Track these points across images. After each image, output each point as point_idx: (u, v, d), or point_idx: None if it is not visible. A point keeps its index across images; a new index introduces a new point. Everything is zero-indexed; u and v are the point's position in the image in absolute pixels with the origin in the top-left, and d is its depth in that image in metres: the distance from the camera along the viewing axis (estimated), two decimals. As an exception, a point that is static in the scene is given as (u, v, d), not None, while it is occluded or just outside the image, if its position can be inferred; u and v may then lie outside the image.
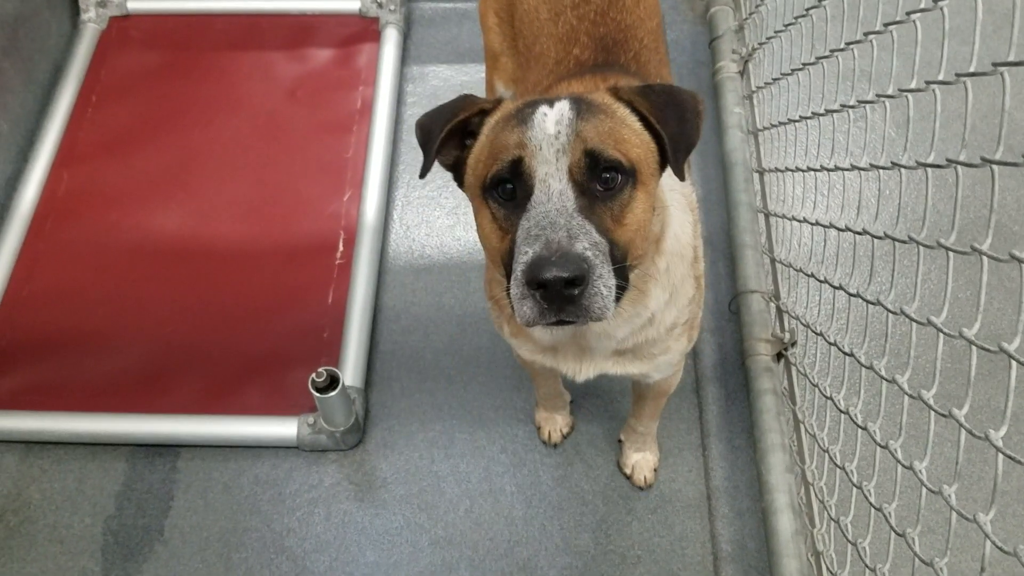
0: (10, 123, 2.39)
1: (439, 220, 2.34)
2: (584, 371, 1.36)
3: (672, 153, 1.06)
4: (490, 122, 1.13)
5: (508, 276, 1.05)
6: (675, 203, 1.29)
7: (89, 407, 2.01)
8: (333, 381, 1.82)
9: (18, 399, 2.03)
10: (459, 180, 1.19)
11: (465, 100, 1.15)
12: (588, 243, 0.98)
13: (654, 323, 1.28)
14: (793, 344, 1.94)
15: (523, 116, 1.05)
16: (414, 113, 2.54)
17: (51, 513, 1.92)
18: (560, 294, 0.96)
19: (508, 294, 1.03)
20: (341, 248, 2.24)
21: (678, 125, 1.07)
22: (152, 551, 1.87)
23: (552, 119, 1.03)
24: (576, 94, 1.10)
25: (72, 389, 2.05)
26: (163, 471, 1.97)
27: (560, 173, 1.02)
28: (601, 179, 1.03)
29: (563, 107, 1.04)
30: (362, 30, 2.66)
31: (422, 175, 1.15)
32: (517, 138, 1.03)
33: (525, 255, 0.98)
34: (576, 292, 0.97)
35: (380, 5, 2.64)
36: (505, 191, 1.06)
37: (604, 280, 0.99)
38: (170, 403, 2.02)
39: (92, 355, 2.10)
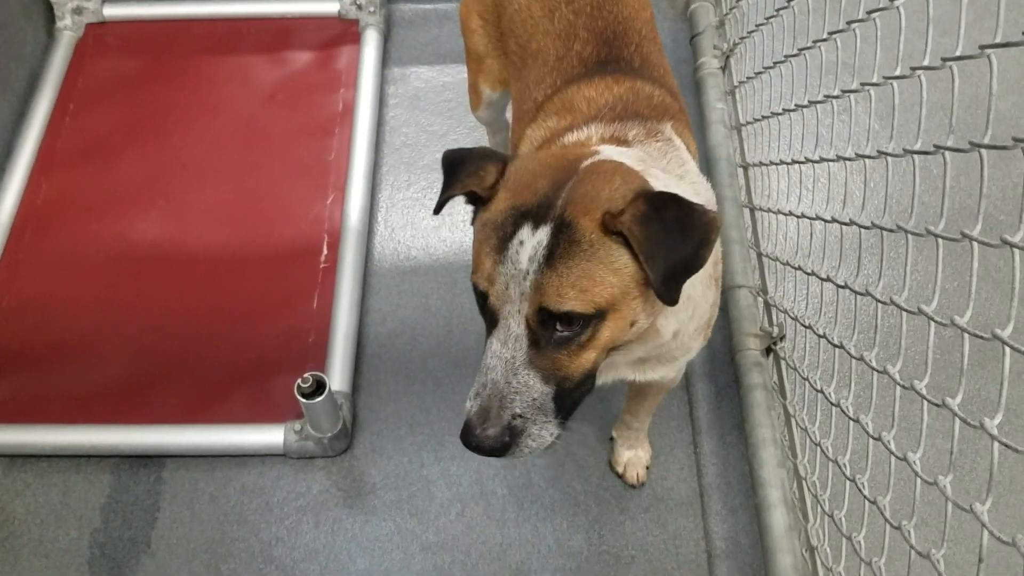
0: (-14, 133, 2.36)
1: (424, 221, 2.33)
2: (601, 378, 1.34)
3: (661, 285, 1.00)
4: (479, 221, 1.10)
5: None
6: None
7: (72, 419, 1.98)
8: (319, 386, 1.80)
9: (0, 411, 2.00)
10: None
11: (476, 171, 1.12)
12: (522, 406, 1.07)
13: (677, 337, 1.28)
14: (782, 338, 1.94)
15: (502, 234, 1.04)
16: (396, 115, 2.52)
17: (36, 527, 1.89)
18: None
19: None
20: (325, 252, 2.21)
21: (680, 252, 1.00)
22: (139, 563, 1.84)
23: (526, 252, 1.01)
24: (565, 218, 1.02)
25: (55, 401, 2.01)
26: (148, 482, 1.94)
27: (520, 316, 1.04)
28: (557, 328, 1.05)
29: (541, 239, 1.01)
30: (342, 32, 2.63)
31: (435, 212, 1.20)
32: (489, 269, 1.05)
33: (469, 400, 1.09)
34: (500, 447, 1.08)
35: (359, 7, 2.62)
36: (480, 302, 1.10)
37: (536, 431, 1.08)
38: (154, 413, 1.99)
39: (75, 366, 2.06)
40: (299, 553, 1.85)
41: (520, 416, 1.06)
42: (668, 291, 1.00)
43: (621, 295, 1.04)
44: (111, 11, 2.67)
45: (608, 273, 1.02)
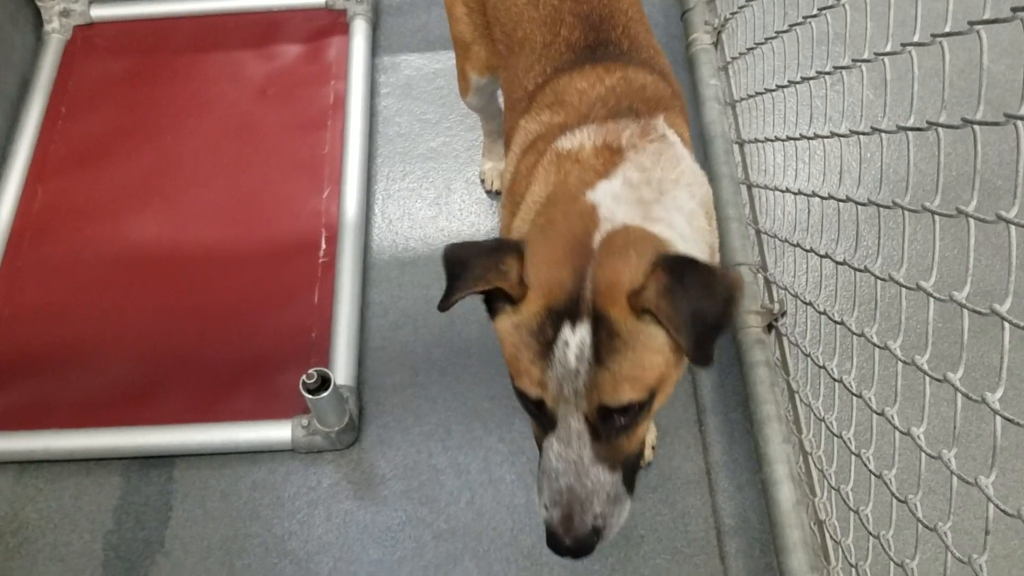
0: (-21, 141, 2.35)
1: (421, 211, 2.32)
2: None
3: (694, 351, 1.00)
4: (508, 323, 1.09)
5: None
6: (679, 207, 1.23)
7: (80, 423, 1.99)
8: (324, 381, 1.80)
9: (8, 419, 2.01)
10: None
11: (497, 267, 1.08)
12: (601, 505, 1.09)
13: None
14: (783, 315, 1.94)
15: (543, 338, 1.03)
16: (388, 104, 2.51)
17: (50, 532, 1.91)
18: None
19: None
20: (324, 246, 2.22)
21: (709, 316, 1.00)
22: (154, 563, 1.86)
23: (572, 352, 1.02)
24: (598, 311, 1.02)
25: (62, 406, 2.03)
26: (159, 482, 1.96)
27: (578, 413, 1.05)
28: (616, 419, 1.06)
29: (584, 337, 1.01)
30: (330, 23, 2.62)
31: (441, 307, 1.14)
32: (538, 374, 1.05)
33: (545, 511, 1.11)
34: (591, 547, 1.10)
35: (347, -4, 2.61)
36: (531, 407, 1.11)
37: (616, 520, 1.12)
38: (161, 414, 2.00)
39: (80, 370, 2.07)
40: (312, 546, 1.87)
41: (604, 510, 1.09)
42: (702, 355, 1.00)
43: (667, 368, 1.06)
44: (98, 12, 2.65)
45: (652, 355, 1.04)
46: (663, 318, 1.00)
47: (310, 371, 1.79)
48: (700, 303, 0.99)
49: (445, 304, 1.12)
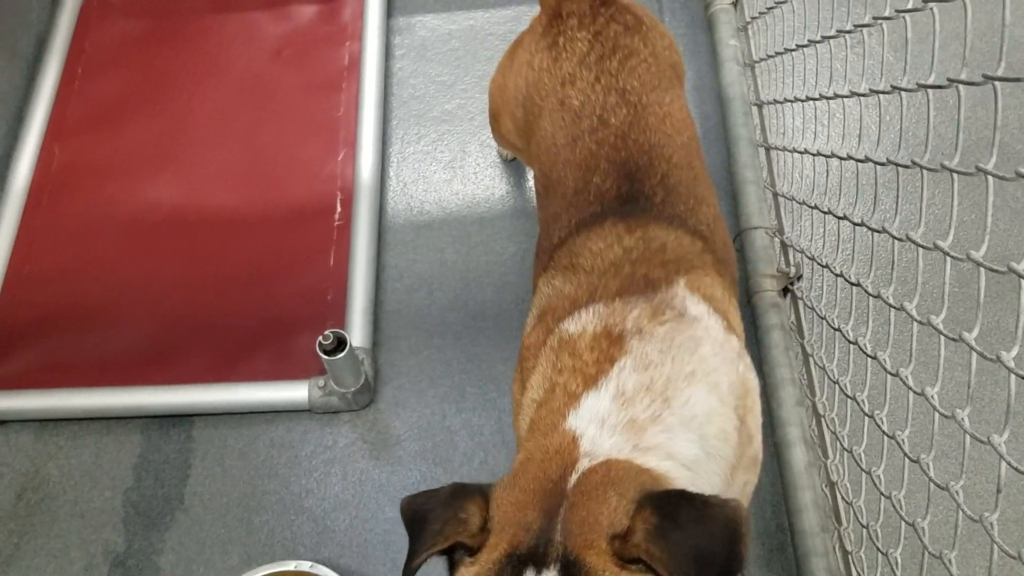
0: (-4, 101, 2.36)
1: (436, 175, 2.32)
2: None
3: None
4: (472, 568, 0.92)
5: None
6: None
7: (100, 382, 2.02)
8: (340, 343, 1.82)
9: (29, 378, 2.04)
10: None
11: (455, 517, 0.94)
12: None
13: None
14: (799, 278, 1.93)
15: None
16: (403, 66, 2.50)
17: (70, 489, 1.94)
18: None
19: None
20: (339, 209, 2.22)
21: (713, 558, 0.84)
22: (174, 519, 1.90)
23: None
24: (569, 557, 0.87)
25: (81, 365, 2.05)
26: (179, 441, 1.99)
27: None
28: None
29: None
30: (345, -16, 2.60)
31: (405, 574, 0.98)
32: None
33: None
34: None
35: (362, -43, 2.58)
36: None
37: None
38: (180, 374, 2.03)
39: (98, 330, 2.10)
40: (329, 504, 1.89)
41: None
42: None
43: None
44: (113, -28, 2.64)
45: None
46: (658, 566, 0.83)
47: (326, 332, 1.81)
48: (701, 544, 0.84)
49: (407, 572, 0.96)
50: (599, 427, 1.02)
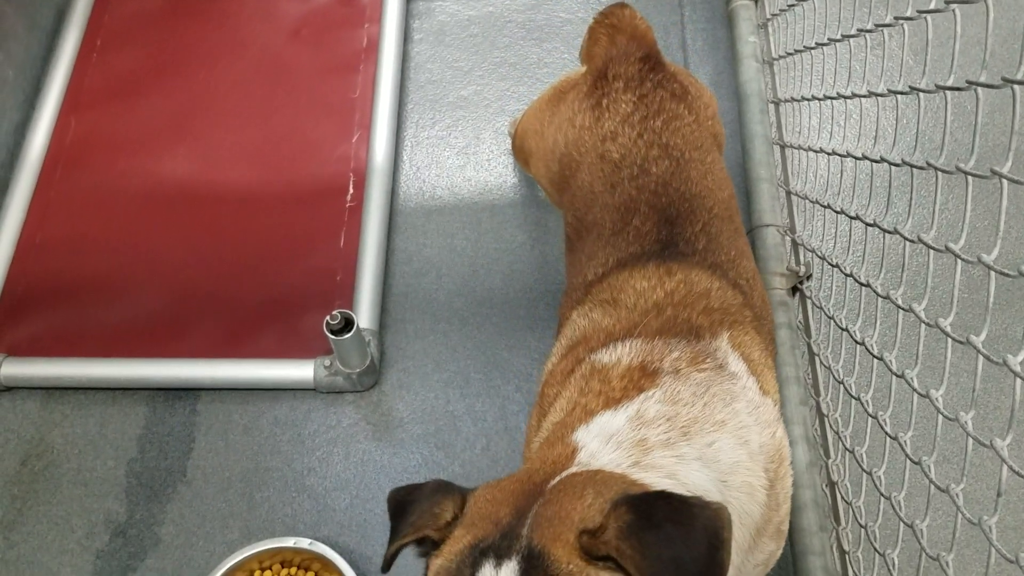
0: (15, 70, 2.37)
1: (449, 160, 2.32)
2: None
3: None
4: (437, 560, 0.90)
5: None
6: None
7: (107, 353, 2.03)
8: (348, 323, 1.83)
9: (37, 346, 2.05)
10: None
11: (430, 510, 0.94)
12: None
13: None
14: (808, 277, 1.93)
15: None
16: (421, 51, 2.50)
17: (74, 457, 1.96)
18: None
19: None
20: (351, 191, 2.23)
21: (689, 562, 0.78)
22: (176, 492, 1.91)
23: None
24: (533, 548, 0.83)
25: (90, 335, 2.07)
26: (183, 414, 2.00)
27: None
28: None
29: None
30: (366, -34, 2.60)
31: (382, 568, 0.98)
32: None
33: None
34: None
35: (384, -60, 2.58)
36: None
37: None
38: (187, 348, 2.04)
39: (108, 301, 2.11)
40: (330, 482, 1.91)
41: None
42: None
43: None
44: (134, -54, 2.65)
45: None
46: (629, 565, 0.78)
47: (334, 312, 1.81)
48: (677, 546, 0.78)
49: (385, 564, 0.97)
50: (603, 442, 0.99)
